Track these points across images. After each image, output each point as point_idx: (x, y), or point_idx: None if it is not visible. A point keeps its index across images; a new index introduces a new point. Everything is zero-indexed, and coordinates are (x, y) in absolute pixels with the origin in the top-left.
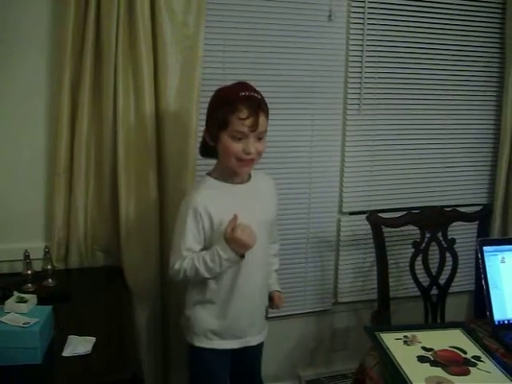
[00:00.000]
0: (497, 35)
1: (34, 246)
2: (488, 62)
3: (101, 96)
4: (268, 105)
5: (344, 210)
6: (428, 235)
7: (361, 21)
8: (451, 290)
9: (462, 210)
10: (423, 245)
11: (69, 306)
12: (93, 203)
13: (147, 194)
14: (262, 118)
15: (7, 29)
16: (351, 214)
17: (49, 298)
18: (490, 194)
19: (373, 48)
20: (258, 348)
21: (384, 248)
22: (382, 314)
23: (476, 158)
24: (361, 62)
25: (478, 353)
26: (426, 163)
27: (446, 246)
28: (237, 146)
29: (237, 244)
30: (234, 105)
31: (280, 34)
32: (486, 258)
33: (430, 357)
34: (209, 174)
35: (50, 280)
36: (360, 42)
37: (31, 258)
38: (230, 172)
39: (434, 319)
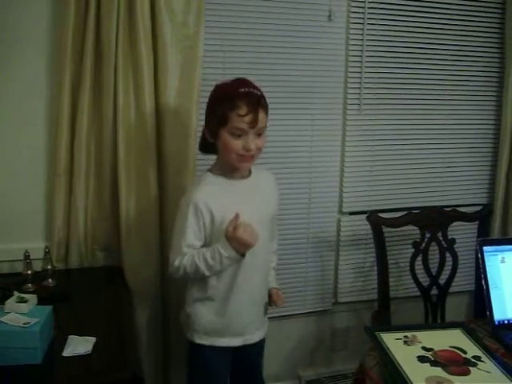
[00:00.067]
0: (496, 35)
1: (34, 246)
2: (488, 61)
3: (101, 96)
4: (268, 105)
5: (344, 210)
6: (428, 235)
7: (360, 21)
8: (451, 289)
9: (462, 210)
10: (423, 245)
11: (69, 306)
12: (93, 203)
13: (147, 193)
14: (261, 115)
15: (7, 29)
16: (351, 213)
17: (49, 298)
18: (490, 193)
19: (373, 48)
20: (259, 346)
21: (384, 248)
22: (382, 314)
23: (476, 157)
24: (361, 61)
25: (478, 353)
26: (426, 163)
27: (446, 245)
28: (237, 143)
29: (238, 243)
30: (234, 101)
31: (280, 34)
32: (486, 258)
33: (430, 357)
34: (209, 170)
35: (50, 280)
36: (360, 42)
37: (31, 258)
38: (231, 168)
39: (434, 319)
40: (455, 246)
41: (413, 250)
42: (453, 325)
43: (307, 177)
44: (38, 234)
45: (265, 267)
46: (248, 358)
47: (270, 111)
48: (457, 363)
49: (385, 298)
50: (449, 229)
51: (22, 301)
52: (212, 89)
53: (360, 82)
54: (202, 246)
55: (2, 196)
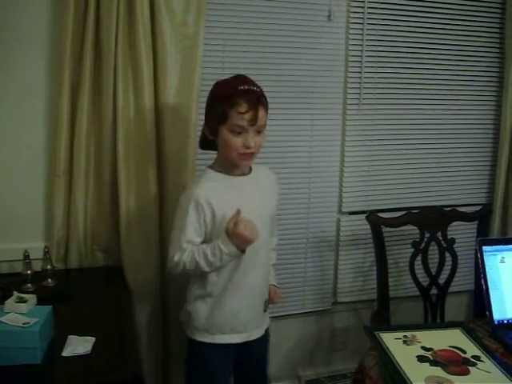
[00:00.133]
0: (497, 35)
1: (33, 246)
2: (488, 62)
3: (100, 96)
4: (268, 102)
5: (343, 210)
6: (427, 235)
7: (360, 21)
8: (451, 289)
9: (462, 209)
10: (423, 244)
11: (68, 306)
12: (92, 203)
13: (147, 193)
14: (261, 112)
15: (7, 29)
16: (351, 213)
17: (48, 298)
18: (489, 193)
19: (372, 48)
20: (261, 342)
21: (383, 248)
22: (382, 313)
23: (476, 157)
24: (360, 61)
25: (478, 352)
26: (425, 163)
27: (445, 245)
28: (237, 141)
29: (239, 239)
30: (234, 99)
31: (280, 34)
32: (485, 258)
33: (430, 356)
34: (209, 166)
35: (49, 280)
36: (359, 42)
37: (31, 258)
38: (231, 164)
39: (434, 319)
40: (455, 245)
41: (412, 249)
42: (452, 324)
43: (307, 176)
44: (38, 233)
45: (265, 264)
46: (250, 354)
47: (269, 111)
48: (456, 363)
49: (384, 297)
50: (448, 228)
51: (22, 301)
52: (212, 86)
53: (360, 82)
54: (202, 243)
55: (2, 196)
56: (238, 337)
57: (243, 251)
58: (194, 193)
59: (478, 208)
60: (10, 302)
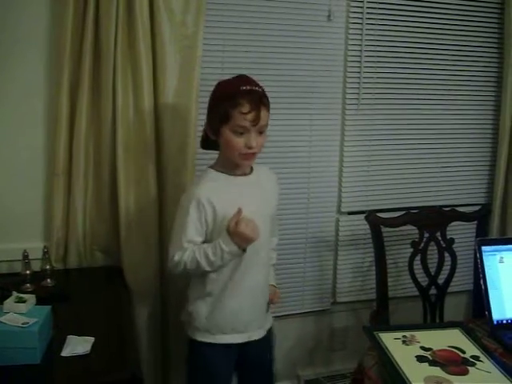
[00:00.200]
0: (495, 35)
1: (32, 246)
2: (486, 62)
3: (100, 96)
4: (269, 102)
5: (343, 210)
6: (427, 235)
7: (360, 21)
8: (450, 289)
9: (461, 209)
10: (422, 245)
11: (68, 306)
12: (92, 203)
13: (147, 193)
14: (263, 112)
15: (6, 30)
16: (350, 213)
17: (48, 298)
18: (488, 193)
19: (371, 48)
20: (263, 343)
21: (383, 248)
22: (381, 313)
23: (475, 157)
24: (359, 61)
25: (477, 352)
26: (424, 163)
27: (444, 245)
28: (239, 141)
29: (240, 238)
30: (236, 99)
31: (279, 34)
32: (484, 258)
33: (429, 356)
34: (211, 166)
35: (48, 280)
36: (359, 42)
37: (30, 258)
38: (232, 164)
39: (433, 319)
40: (454, 245)
41: (411, 249)
42: (451, 324)
43: (306, 176)
44: (37, 233)
45: (266, 264)
46: (253, 354)
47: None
48: (455, 363)
49: (383, 297)
50: (447, 228)
51: (21, 301)
52: (214, 86)
53: (359, 82)
54: (203, 242)
55: (1, 196)
56: (239, 337)
57: (244, 250)
58: (196, 192)
59: (477, 208)
60: (9, 302)
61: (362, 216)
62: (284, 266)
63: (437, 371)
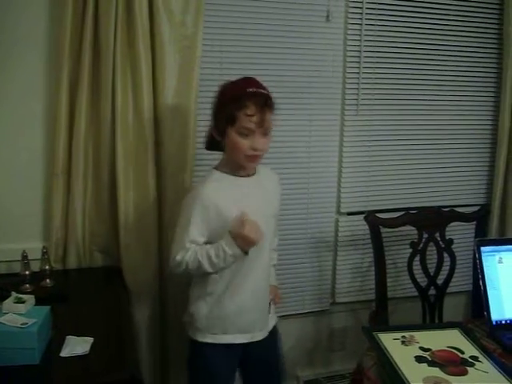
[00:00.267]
0: (494, 36)
1: (31, 247)
2: (486, 62)
3: (99, 97)
4: (274, 104)
5: (342, 211)
6: (426, 235)
7: (358, 21)
8: (449, 290)
9: (460, 210)
10: (421, 245)
11: (67, 306)
12: (91, 204)
13: (146, 193)
14: (268, 114)
15: (5, 30)
16: (349, 214)
17: (47, 299)
18: (487, 194)
19: (370, 48)
20: (266, 343)
21: (382, 248)
22: (380, 314)
23: (474, 158)
24: (359, 62)
25: (476, 353)
26: (423, 163)
27: (443, 246)
28: (244, 143)
29: (243, 240)
30: (242, 101)
31: (278, 35)
32: (483, 259)
33: (428, 357)
34: (215, 167)
35: (47, 280)
36: (358, 43)
37: (29, 258)
38: (237, 166)
39: (432, 319)
40: (453, 246)
41: (410, 250)
42: (450, 325)
43: (305, 177)
44: (36, 234)
45: (268, 264)
46: (257, 354)
47: None
48: (454, 363)
49: (382, 298)
50: (446, 229)
51: (20, 301)
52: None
53: (358, 83)
54: (206, 243)
55: (0, 196)
56: (241, 337)
57: (246, 253)
58: (200, 193)
59: (476, 208)
60: (8, 303)
61: (362, 216)
62: (283, 267)
63: (436, 372)
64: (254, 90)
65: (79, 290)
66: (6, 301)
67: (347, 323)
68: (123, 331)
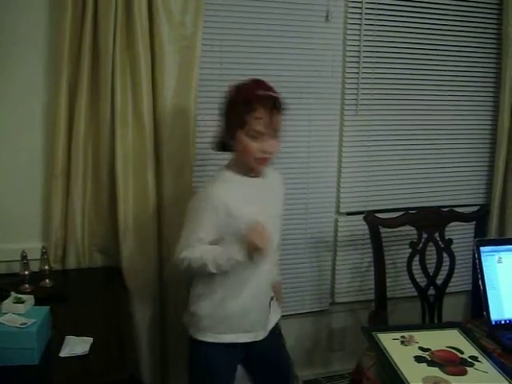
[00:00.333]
0: (493, 36)
1: (31, 247)
2: (485, 62)
3: (98, 97)
4: (284, 106)
5: (341, 211)
6: (425, 235)
7: (358, 21)
8: (448, 290)
9: (459, 210)
10: (420, 245)
11: (66, 306)
12: (90, 204)
13: (145, 193)
14: (278, 117)
15: (5, 32)
16: (348, 214)
17: (46, 299)
18: (487, 194)
19: (370, 49)
20: (270, 342)
21: (381, 248)
22: (380, 314)
23: (473, 158)
24: (358, 62)
25: (475, 353)
26: (423, 163)
27: (443, 246)
28: (254, 146)
29: (252, 247)
30: (251, 104)
31: (277, 35)
32: (483, 259)
33: (427, 357)
34: (225, 166)
35: (47, 280)
36: (357, 43)
37: (28, 258)
38: (246, 167)
39: (431, 319)
40: (452, 246)
41: (410, 250)
42: (450, 325)
43: (305, 177)
44: (36, 234)
45: (272, 265)
46: (260, 355)
47: None
48: (453, 363)
49: (382, 298)
50: (446, 229)
51: (19, 301)
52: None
53: (357, 83)
54: (213, 242)
55: (0, 197)
56: (243, 337)
57: (252, 258)
58: (210, 192)
59: (475, 208)
60: (7, 303)
61: (361, 216)
62: (283, 267)
63: (435, 371)
64: (264, 92)
65: (78, 290)
66: (6, 301)
67: (346, 323)
68: (123, 331)
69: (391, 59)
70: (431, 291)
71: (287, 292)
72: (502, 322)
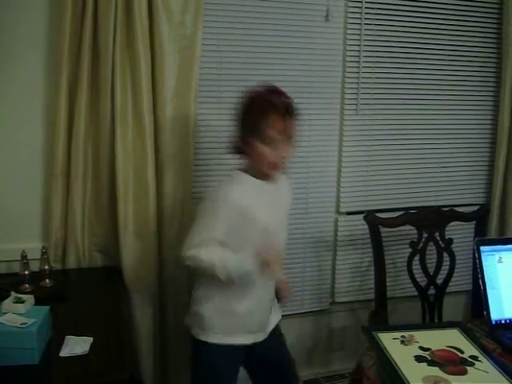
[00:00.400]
0: (493, 35)
1: (31, 247)
2: (485, 61)
3: (98, 97)
4: (297, 111)
5: (341, 210)
6: (425, 235)
7: (358, 21)
8: (448, 289)
9: (460, 209)
10: (420, 245)
11: (66, 306)
12: (90, 204)
13: (145, 193)
14: (292, 122)
15: (5, 31)
16: (348, 213)
17: (46, 299)
18: (487, 193)
19: (370, 48)
20: (270, 343)
21: (381, 248)
22: (380, 313)
23: (473, 157)
24: (358, 62)
25: (476, 352)
26: (423, 163)
27: (443, 245)
28: (269, 152)
29: (265, 265)
30: (265, 111)
31: (277, 34)
32: (483, 258)
33: (428, 356)
34: (240, 169)
35: (47, 280)
36: (357, 42)
37: (28, 258)
38: (261, 172)
39: (432, 319)
40: (452, 245)
41: (410, 249)
42: (450, 324)
43: (305, 177)
44: (36, 234)
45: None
46: (261, 355)
47: None
48: (454, 363)
49: (382, 297)
50: (446, 229)
51: (19, 301)
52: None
53: (357, 83)
54: (224, 243)
55: (0, 197)
56: (247, 338)
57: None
58: (226, 192)
59: (475, 208)
60: (7, 303)
61: (361, 216)
62: (283, 266)
63: (435, 371)
64: (279, 99)
65: (79, 290)
66: (6, 301)
67: (347, 323)
68: (123, 331)
69: (391, 59)
70: (431, 291)
71: None
72: (502, 321)
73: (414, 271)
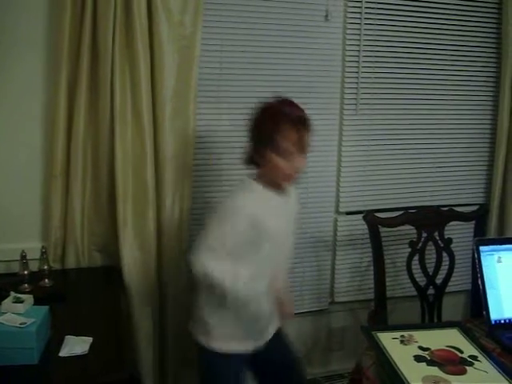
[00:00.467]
0: (493, 35)
1: (30, 247)
2: (484, 62)
3: (98, 97)
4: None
5: (341, 210)
6: (425, 235)
7: (357, 21)
8: (448, 289)
9: (459, 209)
10: (420, 244)
11: (66, 306)
12: (90, 204)
13: (145, 193)
14: (306, 134)
15: (5, 31)
16: (348, 213)
17: (45, 299)
18: (486, 193)
19: (369, 48)
20: (271, 344)
21: (381, 248)
22: (379, 313)
23: (472, 157)
24: (357, 62)
25: (475, 352)
26: (422, 163)
27: (442, 245)
28: (284, 164)
29: (276, 309)
30: (280, 124)
31: (277, 34)
32: (482, 258)
33: (427, 356)
34: (253, 179)
35: (46, 280)
36: (357, 42)
37: (28, 258)
38: (274, 183)
39: (431, 319)
40: (452, 245)
41: (409, 249)
42: (449, 324)
43: (304, 177)
44: (35, 234)
45: (284, 279)
46: (265, 357)
47: None
48: (453, 363)
49: (381, 297)
50: (445, 228)
51: (19, 301)
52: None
53: (357, 82)
54: (234, 252)
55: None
56: (252, 344)
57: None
58: (239, 203)
59: (475, 208)
60: (7, 303)
61: (360, 216)
62: None
63: (435, 371)
64: (293, 113)
65: (78, 290)
66: (5, 300)
67: (346, 323)
68: (122, 331)
69: (391, 59)
70: (431, 290)
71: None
72: (502, 321)
73: (414, 271)
